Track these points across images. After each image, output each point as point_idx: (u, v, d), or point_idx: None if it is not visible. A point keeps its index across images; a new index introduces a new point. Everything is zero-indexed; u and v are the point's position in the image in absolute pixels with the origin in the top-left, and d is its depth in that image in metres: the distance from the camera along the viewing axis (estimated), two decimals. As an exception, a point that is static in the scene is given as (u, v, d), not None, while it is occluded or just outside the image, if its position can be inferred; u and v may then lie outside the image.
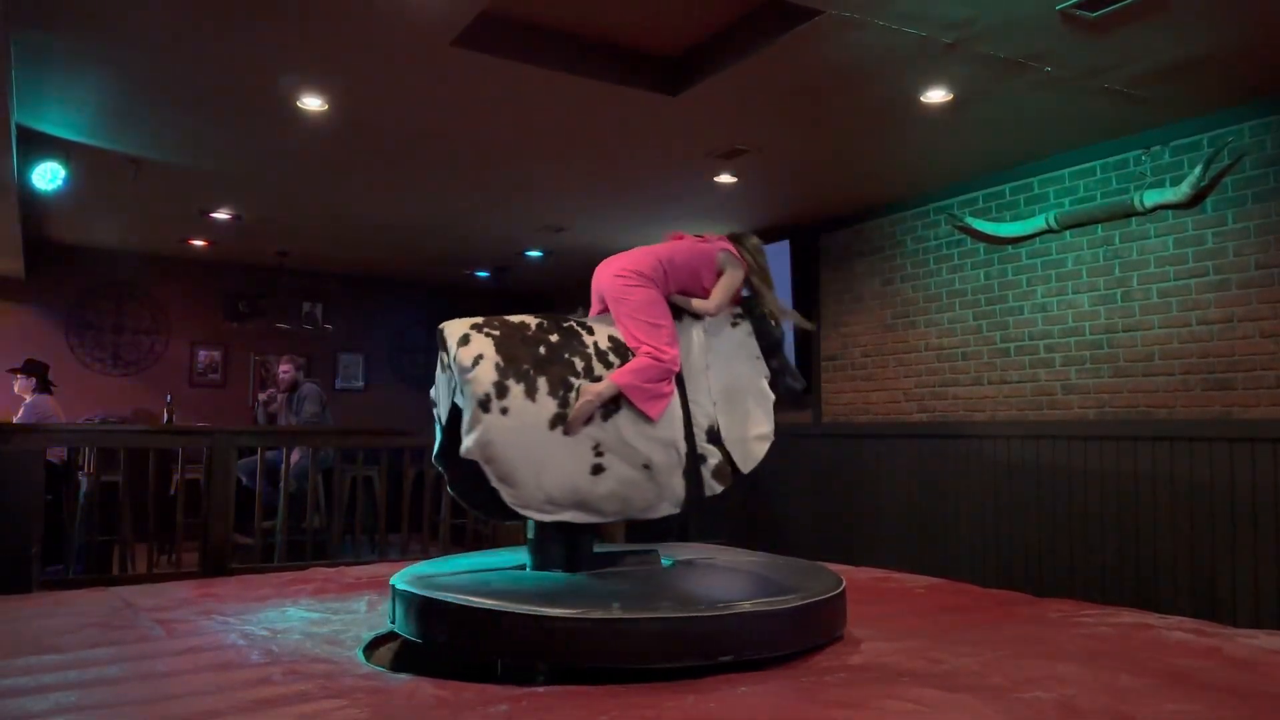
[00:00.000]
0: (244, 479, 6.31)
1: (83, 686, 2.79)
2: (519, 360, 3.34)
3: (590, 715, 2.52)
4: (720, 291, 3.70)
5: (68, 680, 2.87)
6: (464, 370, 3.27)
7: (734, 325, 3.79)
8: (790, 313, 4.22)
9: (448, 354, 3.38)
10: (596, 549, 3.71)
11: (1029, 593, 4.75)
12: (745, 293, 3.86)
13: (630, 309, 3.56)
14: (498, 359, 3.31)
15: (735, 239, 3.85)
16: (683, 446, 3.51)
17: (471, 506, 3.77)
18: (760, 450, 3.67)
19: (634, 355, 3.49)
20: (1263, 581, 4.46)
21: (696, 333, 3.69)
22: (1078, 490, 5.26)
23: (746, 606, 3.07)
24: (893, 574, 5.17)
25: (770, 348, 3.83)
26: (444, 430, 3.57)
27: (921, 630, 3.60)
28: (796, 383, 3.91)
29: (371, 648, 3.45)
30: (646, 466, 3.44)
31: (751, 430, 3.67)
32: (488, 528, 6.49)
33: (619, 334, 3.56)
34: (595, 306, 3.75)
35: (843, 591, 3.45)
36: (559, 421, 3.33)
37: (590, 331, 3.55)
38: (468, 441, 3.24)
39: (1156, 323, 5.00)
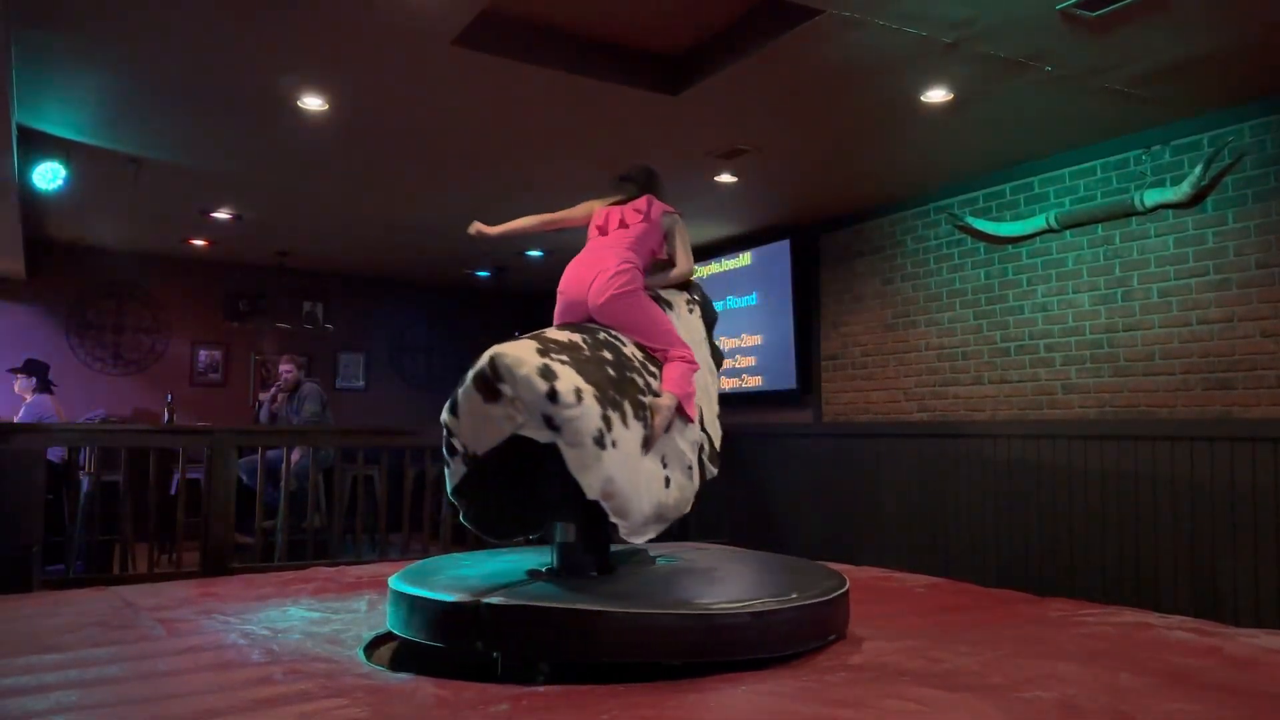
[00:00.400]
0: (244, 478, 6.31)
1: (83, 685, 2.79)
2: (603, 386, 3.19)
3: (591, 714, 2.52)
4: (686, 253, 3.82)
5: (68, 679, 2.87)
6: (568, 406, 3.01)
7: (690, 311, 3.84)
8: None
9: (517, 385, 3.03)
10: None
11: (1029, 592, 4.74)
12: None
13: (635, 325, 3.56)
14: (594, 390, 3.12)
15: (648, 185, 3.85)
16: (700, 440, 3.59)
17: (493, 536, 3.59)
18: (719, 427, 3.79)
19: (662, 361, 3.55)
20: (1263, 581, 4.46)
21: (674, 322, 3.74)
22: (1078, 489, 5.26)
23: (748, 606, 3.07)
24: (893, 573, 5.17)
25: (710, 325, 3.96)
26: (475, 462, 3.22)
27: (922, 629, 3.60)
28: (722, 355, 4.07)
29: (372, 647, 3.45)
30: (690, 467, 3.48)
31: (713, 410, 3.77)
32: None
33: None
34: (561, 315, 3.66)
35: (846, 591, 3.45)
36: (646, 444, 3.29)
37: (623, 343, 3.50)
38: (590, 481, 3.05)
39: (1157, 322, 5.00)
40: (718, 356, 3.98)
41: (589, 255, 3.68)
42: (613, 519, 3.16)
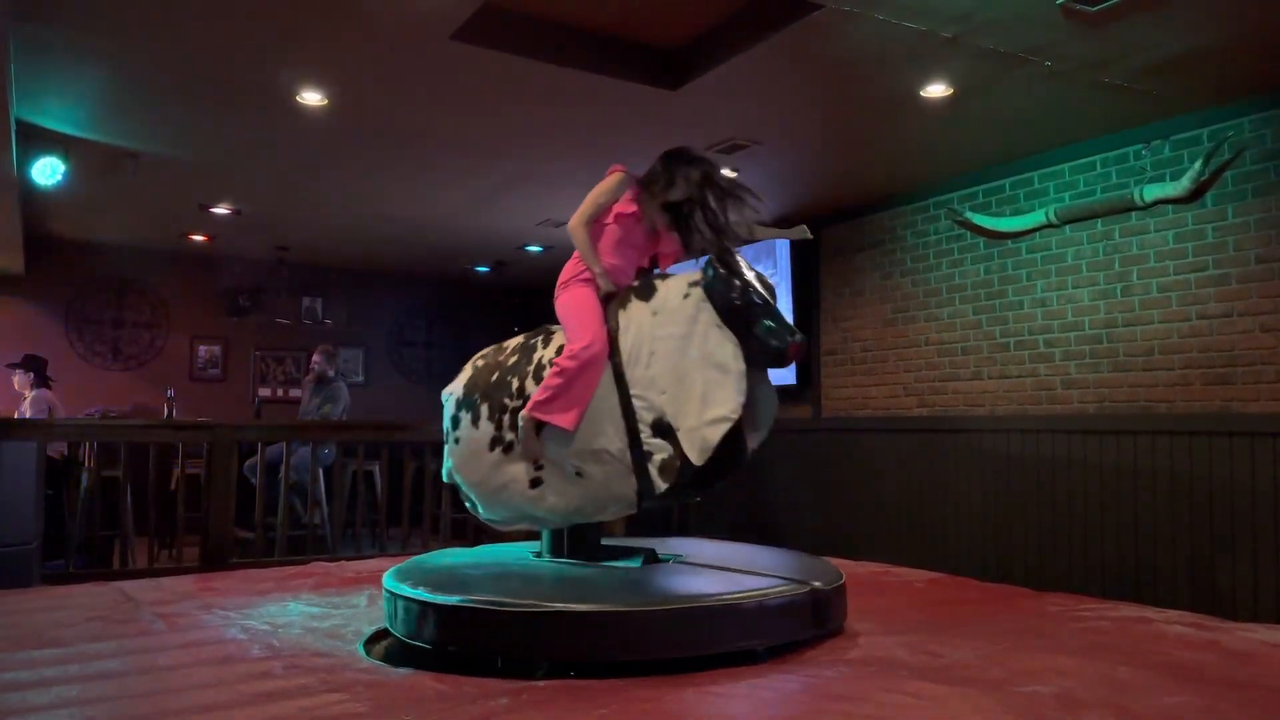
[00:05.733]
0: (252, 480, 6.31)
1: (84, 680, 2.80)
2: (474, 389, 3.77)
3: (589, 709, 2.52)
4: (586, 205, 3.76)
5: (69, 674, 2.87)
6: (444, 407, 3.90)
7: (685, 297, 3.46)
8: (770, 230, 4.22)
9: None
10: (604, 541, 3.80)
11: (1028, 587, 4.76)
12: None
13: (563, 321, 3.68)
14: (459, 393, 3.81)
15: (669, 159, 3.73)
16: (617, 448, 3.40)
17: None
18: (715, 435, 3.26)
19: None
20: (1261, 575, 4.46)
21: (642, 320, 3.48)
22: (1077, 484, 5.26)
23: (746, 599, 3.08)
24: (892, 568, 5.18)
25: (735, 309, 3.38)
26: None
27: (921, 624, 3.61)
28: (779, 340, 3.36)
29: (371, 641, 3.46)
30: (580, 474, 3.47)
31: (707, 414, 3.29)
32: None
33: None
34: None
35: (842, 584, 3.45)
36: (497, 444, 3.61)
37: (545, 344, 3.71)
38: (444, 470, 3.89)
39: (1156, 317, 5.00)
40: (772, 341, 3.37)
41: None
42: (465, 504, 3.91)
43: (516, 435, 3.51)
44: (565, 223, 7.76)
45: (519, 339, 3.88)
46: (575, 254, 3.76)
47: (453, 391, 3.85)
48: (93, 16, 3.89)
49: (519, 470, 3.54)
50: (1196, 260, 4.83)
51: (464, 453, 3.70)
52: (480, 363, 3.88)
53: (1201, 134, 4.82)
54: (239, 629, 3.50)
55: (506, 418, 3.57)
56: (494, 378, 3.72)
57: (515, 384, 3.63)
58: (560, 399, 3.38)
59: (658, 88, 4.60)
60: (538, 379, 3.54)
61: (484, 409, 3.67)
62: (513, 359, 3.75)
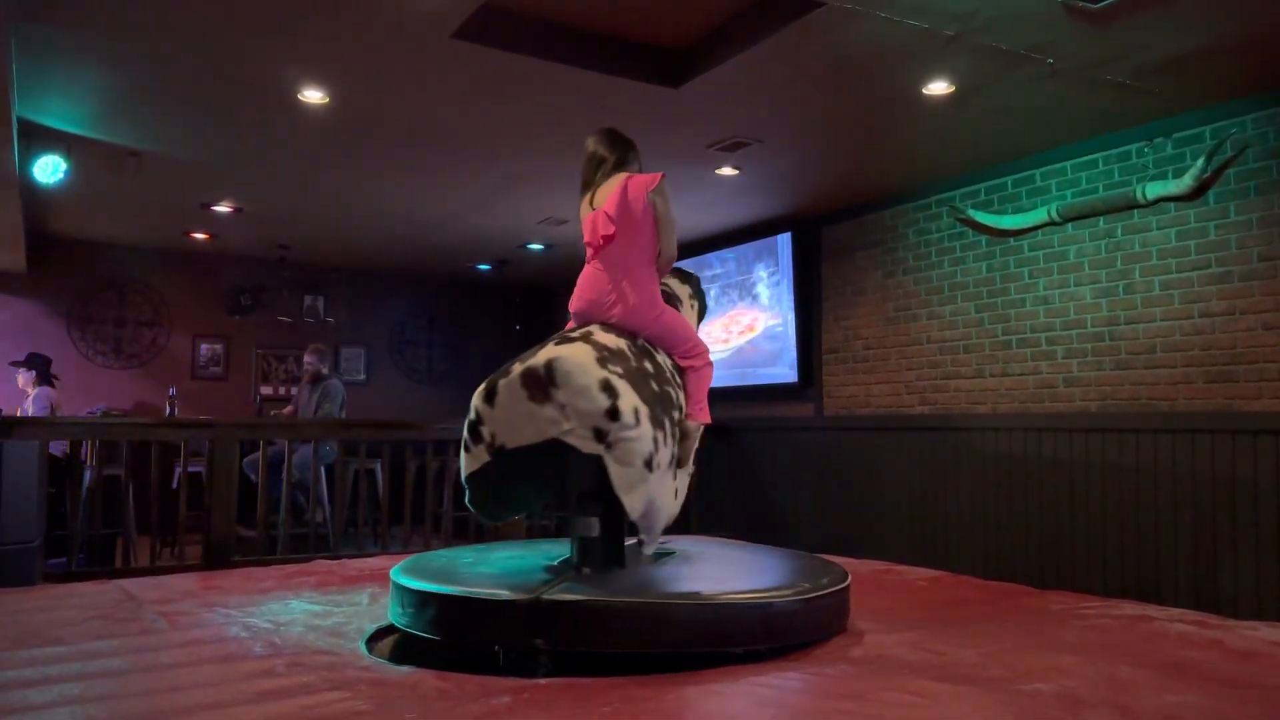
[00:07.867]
0: (252, 476, 6.32)
1: (86, 678, 2.80)
2: (652, 405, 3.14)
3: (591, 707, 2.52)
4: (670, 234, 3.47)
5: (71, 672, 2.87)
6: (628, 426, 2.98)
7: (691, 307, 4.08)
8: None
9: (575, 394, 2.99)
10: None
11: (1030, 585, 4.75)
12: None
13: (660, 340, 3.51)
14: (648, 411, 3.08)
15: (621, 162, 3.52)
16: None
17: (489, 519, 3.55)
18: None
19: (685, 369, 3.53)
20: (1264, 574, 4.46)
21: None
22: (1079, 483, 5.26)
23: (748, 598, 3.07)
24: (894, 566, 5.17)
25: (701, 317, 4.09)
26: (501, 454, 3.15)
27: (923, 622, 3.61)
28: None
29: (374, 640, 3.46)
30: (690, 474, 3.56)
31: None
32: (490, 520, 6.50)
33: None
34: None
35: (847, 584, 3.45)
36: (677, 464, 3.36)
37: (655, 348, 3.48)
38: (634, 502, 3.03)
39: (1158, 315, 4.99)
40: None
41: (591, 277, 3.47)
42: (642, 535, 3.22)
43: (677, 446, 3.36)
44: (566, 220, 7.76)
45: (611, 336, 3.31)
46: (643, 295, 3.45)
47: (637, 407, 3.06)
48: (94, 15, 3.89)
49: (673, 485, 3.34)
50: (1199, 258, 4.83)
51: (660, 479, 3.14)
52: (619, 369, 3.13)
53: (1204, 131, 4.82)
54: (241, 627, 3.50)
55: (678, 432, 3.34)
56: (655, 389, 3.23)
57: (675, 395, 3.38)
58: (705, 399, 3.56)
59: (660, 86, 4.60)
60: (678, 384, 3.45)
61: (666, 424, 3.21)
62: (649, 364, 3.31)
